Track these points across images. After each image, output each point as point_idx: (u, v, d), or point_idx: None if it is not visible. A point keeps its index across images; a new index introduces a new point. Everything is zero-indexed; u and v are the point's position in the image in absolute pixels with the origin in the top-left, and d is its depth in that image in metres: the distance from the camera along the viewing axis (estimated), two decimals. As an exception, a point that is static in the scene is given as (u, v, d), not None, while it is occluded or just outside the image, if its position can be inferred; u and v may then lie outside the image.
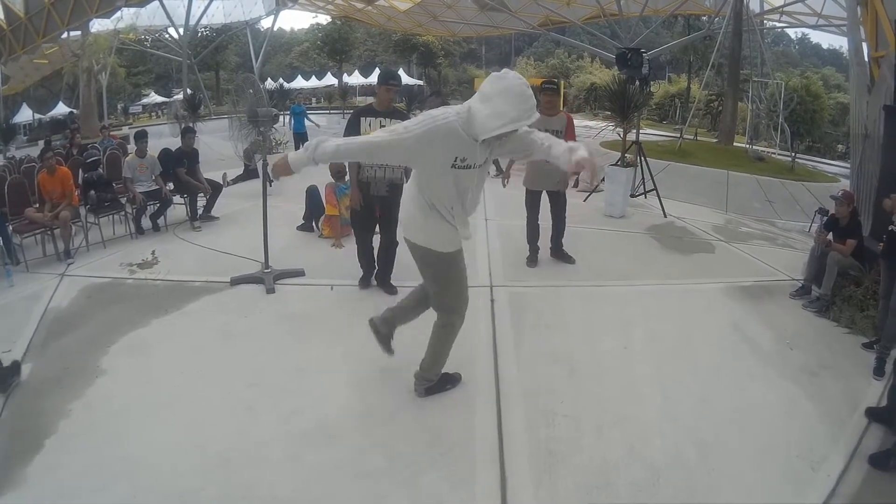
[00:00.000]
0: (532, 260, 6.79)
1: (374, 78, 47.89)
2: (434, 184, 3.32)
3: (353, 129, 5.50)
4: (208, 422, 3.61)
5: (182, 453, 3.31)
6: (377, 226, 5.81)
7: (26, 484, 3.08)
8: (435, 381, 3.93)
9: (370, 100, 19.26)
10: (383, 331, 3.85)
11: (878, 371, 4.73)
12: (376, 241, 5.86)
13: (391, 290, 5.87)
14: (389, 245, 5.81)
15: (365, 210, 5.67)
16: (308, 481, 3.13)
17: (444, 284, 3.70)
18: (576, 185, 6.82)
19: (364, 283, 5.93)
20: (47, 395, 3.91)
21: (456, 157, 3.17)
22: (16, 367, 4.13)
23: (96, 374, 4.16)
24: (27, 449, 3.33)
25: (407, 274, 5.98)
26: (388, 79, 5.58)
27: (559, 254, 6.89)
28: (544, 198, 6.76)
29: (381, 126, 5.43)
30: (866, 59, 8.33)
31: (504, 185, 6.87)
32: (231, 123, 6.18)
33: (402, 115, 5.70)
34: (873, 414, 4.05)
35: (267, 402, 3.84)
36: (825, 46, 75.46)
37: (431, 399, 3.91)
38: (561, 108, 6.70)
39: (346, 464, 3.25)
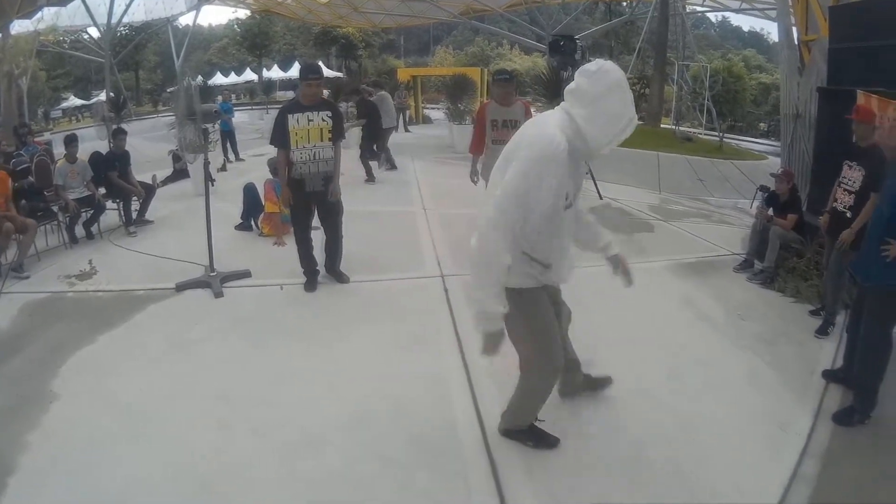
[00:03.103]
0: None
1: (294, 72, 47.36)
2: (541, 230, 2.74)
3: (280, 128, 5.37)
4: (182, 443, 3.39)
5: (160, 482, 3.07)
6: (314, 222, 5.79)
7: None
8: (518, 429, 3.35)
9: (290, 94, 18.98)
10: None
11: (821, 330, 5.09)
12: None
13: (343, 279, 5.86)
14: (335, 237, 5.79)
15: (301, 208, 5.58)
16: (302, 496, 3.00)
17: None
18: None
19: (310, 286, 5.76)
20: (1, 428, 3.58)
21: (567, 194, 2.75)
22: None
23: (51, 400, 3.84)
24: (-8, 490, 3.03)
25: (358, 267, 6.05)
26: (308, 73, 5.45)
27: None
28: None
29: (310, 121, 5.35)
30: (796, 42, 8.69)
31: (475, 182, 6.58)
32: (177, 122, 5.93)
33: (332, 107, 5.62)
34: (829, 375, 4.32)
35: (241, 415, 3.66)
36: (746, 29, 78.74)
37: (406, 398, 3.86)
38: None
39: (338, 473, 3.15)
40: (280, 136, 5.36)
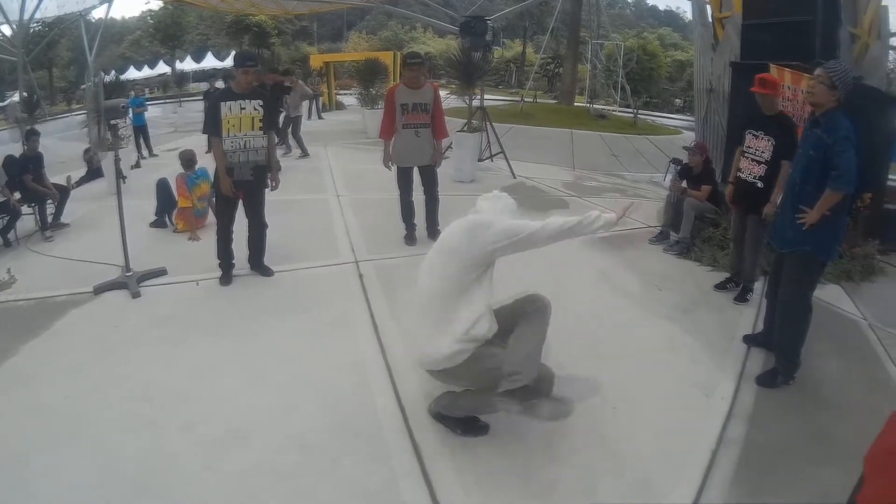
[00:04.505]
0: (410, 238, 6.64)
1: (206, 62, 46.50)
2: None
3: (213, 115, 5.28)
4: (112, 446, 3.27)
5: (94, 487, 2.95)
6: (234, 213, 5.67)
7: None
8: (449, 414, 3.37)
9: (204, 86, 18.17)
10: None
11: (740, 298, 5.29)
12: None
13: (268, 273, 5.79)
14: (260, 228, 5.73)
15: (228, 198, 5.47)
16: (230, 490, 2.96)
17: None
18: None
19: (226, 280, 5.64)
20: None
21: None
22: None
23: (-21, 417, 3.61)
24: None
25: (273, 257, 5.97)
26: (246, 60, 5.36)
27: (435, 234, 6.36)
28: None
29: (242, 109, 5.29)
30: (710, 19, 9.03)
31: (389, 168, 6.62)
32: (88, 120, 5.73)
33: (264, 96, 5.54)
34: (751, 340, 4.51)
35: (166, 414, 3.56)
36: (662, 8, 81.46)
37: (327, 386, 3.86)
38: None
39: (264, 464, 3.13)
40: (212, 124, 5.27)
